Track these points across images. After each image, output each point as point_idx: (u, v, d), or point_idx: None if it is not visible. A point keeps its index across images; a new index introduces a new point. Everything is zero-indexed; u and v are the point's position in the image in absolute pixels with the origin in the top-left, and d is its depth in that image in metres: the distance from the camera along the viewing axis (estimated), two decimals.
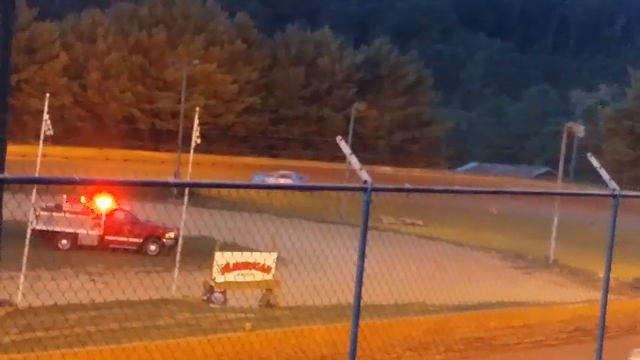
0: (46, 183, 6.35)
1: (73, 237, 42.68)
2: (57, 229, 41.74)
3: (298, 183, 43.36)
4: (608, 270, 10.23)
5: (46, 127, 32.29)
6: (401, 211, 51.94)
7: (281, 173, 70.50)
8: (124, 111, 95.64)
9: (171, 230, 42.45)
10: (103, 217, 43.65)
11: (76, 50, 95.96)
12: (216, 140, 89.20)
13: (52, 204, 41.32)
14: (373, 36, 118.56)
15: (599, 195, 11.05)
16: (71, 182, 6.03)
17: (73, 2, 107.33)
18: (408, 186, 8.27)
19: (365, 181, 7.43)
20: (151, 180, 7.06)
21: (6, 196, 27.25)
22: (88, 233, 42.33)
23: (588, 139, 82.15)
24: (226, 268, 32.20)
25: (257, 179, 65.91)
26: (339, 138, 7.98)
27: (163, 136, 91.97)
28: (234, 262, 32.12)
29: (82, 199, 43.03)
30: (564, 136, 64.04)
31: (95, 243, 42.83)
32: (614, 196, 9.98)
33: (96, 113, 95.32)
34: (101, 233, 43.41)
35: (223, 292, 32.68)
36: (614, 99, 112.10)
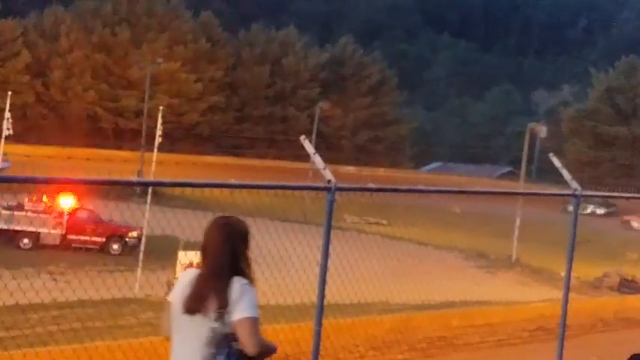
0: (7, 182, 6.29)
1: (35, 236, 42.38)
2: (18, 228, 41.44)
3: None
4: (569, 269, 10.32)
5: (7, 125, 32.09)
6: (365, 210, 52.04)
7: None
8: (87, 109, 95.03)
9: (134, 229, 42.24)
10: (66, 216, 43.36)
11: (39, 48, 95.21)
12: (180, 139, 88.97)
13: (13, 203, 41.01)
14: (337, 36, 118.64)
15: (560, 195, 11.15)
16: (33, 181, 5.99)
17: None
18: (372, 185, 8.29)
19: (329, 181, 7.43)
20: (115, 179, 7.03)
21: None
22: (50, 232, 42.08)
23: (551, 139, 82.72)
24: (190, 267, 32.13)
25: None
26: (302, 137, 7.98)
27: (127, 135, 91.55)
28: (198, 261, 31.98)
29: (44, 197, 42.76)
30: (527, 136, 64.51)
31: (57, 242, 42.57)
32: (576, 196, 10.06)
33: (59, 111, 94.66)
34: (63, 232, 43.13)
35: None
36: (577, 99, 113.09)
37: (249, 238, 5.56)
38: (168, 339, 5.53)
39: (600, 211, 75.37)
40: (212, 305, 5.25)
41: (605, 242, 52.88)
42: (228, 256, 5.37)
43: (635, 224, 71.69)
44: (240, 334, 5.23)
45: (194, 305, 5.29)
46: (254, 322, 5.27)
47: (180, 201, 43.44)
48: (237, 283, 5.30)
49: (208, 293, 5.27)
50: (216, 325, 5.24)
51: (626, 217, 72.69)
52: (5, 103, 32.88)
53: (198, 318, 5.27)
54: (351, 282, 14.87)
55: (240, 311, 5.24)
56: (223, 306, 5.23)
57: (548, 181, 57.82)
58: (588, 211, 72.89)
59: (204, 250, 5.46)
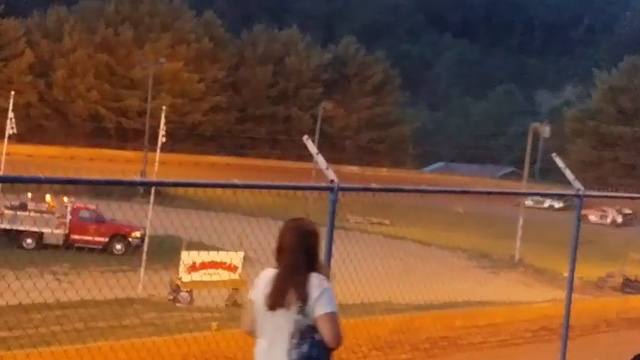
0: (10, 182, 6.30)
1: (38, 236, 42.39)
2: (21, 228, 41.44)
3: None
4: (573, 269, 10.31)
5: (10, 125, 32.10)
6: (368, 210, 52.02)
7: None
8: (90, 109, 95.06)
9: (137, 229, 42.29)
10: (69, 216, 43.39)
11: (42, 48, 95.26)
12: (183, 139, 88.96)
13: (16, 203, 41.04)
14: (340, 36, 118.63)
15: (563, 195, 11.15)
16: (36, 181, 5.99)
17: None
18: (374, 185, 8.30)
19: (332, 181, 7.43)
20: (118, 179, 7.03)
21: None
22: (53, 232, 42.07)
23: (553, 139, 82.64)
24: (193, 268, 32.17)
25: None
26: (305, 137, 7.98)
27: (130, 135, 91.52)
28: (201, 261, 32.09)
29: (48, 197, 42.80)
30: (530, 136, 64.48)
31: (60, 242, 42.57)
32: (579, 196, 10.05)
33: (61, 111, 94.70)
34: (66, 232, 43.16)
35: (190, 292, 32.63)
36: (579, 100, 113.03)
37: (319, 238, 6.00)
38: (248, 334, 6.04)
39: (558, 204, 74.95)
40: (292, 300, 5.71)
41: (607, 242, 52.84)
42: (303, 254, 5.81)
43: (592, 218, 71.65)
44: (322, 327, 5.69)
45: (276, 301, 5.75)
46: (334, 317, 5.74)
47: (183, 201, 43.42)
48: (316, 280, 5.75)
49: (288, 289, 5.73)
50: (298, 317, 5.70)
51: (583, 212, 72.35)
52: (8, 103, 32.87)
53: (280, 312, 5.74)
54: (354, 282, 14.86)
55: (320, 307, 5.69)
56: (303, 300, 5.69)
57: (552, 181, 57.78)
58: (546, 205, 73.03)
59: (280, 250, 5.90)
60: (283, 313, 5.72)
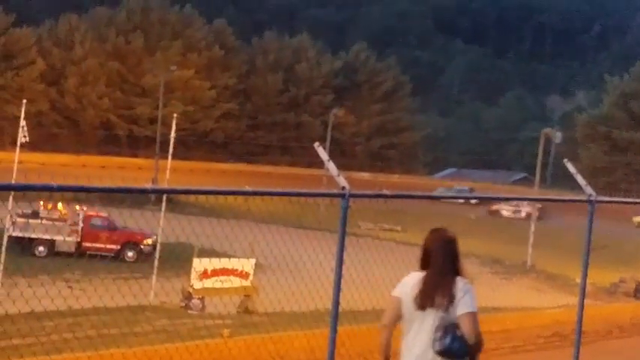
0: (22, 190, 6.32)
1: (50, 243, 42.49)
2: (34, 235, 41.51)
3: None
4: (585, 275, 10.28)
5: (23, 133, 32.13)
6: (379, 216, 51.99)
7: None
8: (101, 117, 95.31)
9: (149, 236, 42.33)
10: (81, 224, 43.48)
11: (53, 56, 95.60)
12: (194, 146, 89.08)
13: (28, 210, 41.13)
14: (351, 42, 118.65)
15: (575, 201, 11.12)
16: (48, 189, 6.01)
17: (49, 8, 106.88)
18: (386, 192, 8.30)
19: (343, 187, 7.44)
20: (129, 186, 7.04)
21: None
22: (65, 240, 42.16)
23: (565, 145, 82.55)
24: (204, 275, 32.20)
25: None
26: (316, 144, 7.99)
27: (141, 143, 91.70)
28: (212, 268, 32.13)
29: (60, 205, 42.89)
30: (541, 141, 64.39)
31: (72, 249, 42.66)
32: (590, 202, 10.03)
33: (73, 119, 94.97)
34: (78, 240, 43.24)
35: (201, 299, 32.64)
36: (591, 105, 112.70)
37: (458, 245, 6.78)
38: (385, 327, 6.73)
39: (474, 200, 74.78)
40: (440, 300, 6.43)
41: (621, 247, 52.68)
42: (450, 259, 6.61)
43: (505, 212, 71.31)
44: (464, 325, 6.39)
45: (426, 301, 6.47)
46: (475, 316, 6.47)
47: (195, 208, 43.53)
48: (461, 282, 6.53)
49: (437, 291, 6.46)
50: (443, 315, 6.41)
51: (494, 207, 71.83)
52: (20, 111, 32.95)
53: (429, 311, 6.45)
54: (365, 288, 14.85)
55: (464, 306, 6.43)
56: (450, 301, 6.41)
57: (563, 186, 57.67)
58: (461, 200, 72.92)
59: (428, 256, 6.65)
60: (432, 312, 6.45)
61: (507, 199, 76.04)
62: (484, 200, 72.66)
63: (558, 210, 63.05)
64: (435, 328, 6.40)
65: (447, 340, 6.37)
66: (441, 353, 6.41)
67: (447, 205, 69.15)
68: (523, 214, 70.04)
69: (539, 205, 63.68)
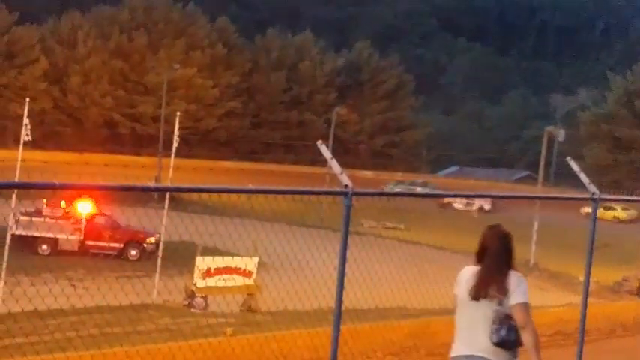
0: (25, 188, 6.32)
1: (54, 242, 42.52)
2: (37, 234, 41.54)
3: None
4: (588, 273, 10.27)
5: (26, 132, 32.13)
6: (382, 215, 52.01)
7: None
8: (104, 115, 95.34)
9: (152, 235, 42.33)
10: (84, 222, 43.50)
11: (56, 54, 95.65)
12: (197, 145, 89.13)
13: (32, 209, 41.17)
14: (353, 41, 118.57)
15: (578, 199, 11.11)
16: (51, 187, 6.01)
17: (53, 6, 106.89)
18: (388, 190, 8.31)
19: (346, 186, 7.43)
20: (132, 185, 7.04)
21: None
22: (68, 238, 42.19)
23: (568, 143, 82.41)
24: (207, 273, 32.19)
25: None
26: (319, 142, 7.99)
27: (144, 141, 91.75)
28: (216, 266, 32.13)
29: (63, 204, 42.91)
30: (544, 140, 64.34)
31: (75, 248, 42.71)
32: (594, 200, 10.02)
33: (76, 118, 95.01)
34: (82, 238, 43.27)
35: (204, 297, 32.65)
36: (594, 103, 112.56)
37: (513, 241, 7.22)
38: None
39: (487, 206, 74.80)
40: (495, 292, 6.91)
41: (624, 245, 52.61)
42: (505, 255, 7.07)
43: (457, 205, 71.34)
44: (517, 314, 6.87)
45: (480, 293, 6.95)
46: (527, 306, 6.96)
47: (198, 206, 43.52)
48: (514, 276, 7.01)
49: (491, 283, 6.94)
50: (498, 307, 6.88)
51: (446, 200, 71.77)
52: (23, 110, 32.93)
53: (483, 302, 6.93)
54: (369, 287, 14.86)
55: (517, 297, 6.90)
56: (504, 293, 6.89)
57: (567, 185, 57.64)
58: (475, 207, 73.04)
59: (484, 251, 7.11)
60: (486, 303, 6.91)
61: (510, 198, 75.92)
62: (481, 198, 72.59)
63: (511, 204, 63.32)
64: (492, 320, 6.87)
65: (503, 332, 6.84)
66: (498, 344, 6.89)
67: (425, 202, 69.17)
68: (475, 207, 70.72)
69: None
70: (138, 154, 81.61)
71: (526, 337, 6.91)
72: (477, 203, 70.92)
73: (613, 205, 67.15)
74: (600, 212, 60.66)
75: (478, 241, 7.21)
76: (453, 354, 7.27)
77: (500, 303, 6.88)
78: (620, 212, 68.38)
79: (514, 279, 6.97)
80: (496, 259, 7.02)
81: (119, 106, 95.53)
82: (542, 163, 62.78)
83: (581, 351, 10.36)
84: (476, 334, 6.96)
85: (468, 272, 7.14)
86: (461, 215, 62.89)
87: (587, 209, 70.50)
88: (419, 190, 73.30)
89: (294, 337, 14.15)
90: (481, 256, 7.13)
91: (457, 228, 52.79)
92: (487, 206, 71.26)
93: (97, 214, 43.91)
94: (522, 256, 51.44)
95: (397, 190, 72.69)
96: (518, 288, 6.92)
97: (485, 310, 6.91)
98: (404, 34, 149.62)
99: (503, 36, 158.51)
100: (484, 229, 7.27)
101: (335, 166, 7.53)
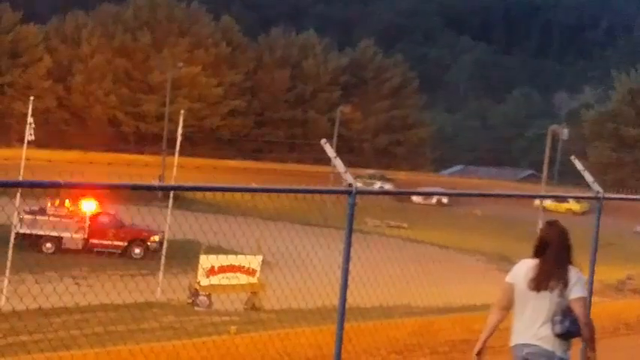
0: (29, 187, 6.32)
1: (58, 240, 42.54)
2: (41, 232, 41.56)
3: None
4: (592, 272, 10.27)
5: (30, 131, 32.14)
6: (386, 213, 51.99)
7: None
8: (108, 114, 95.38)
9: (155, 233, 42.36)
10: (88, 221, 43.52)
11: (60, 53, 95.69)
12: (201, 143, 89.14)
13: (36, 207, 41.19)
14: (357, 39, 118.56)
15: (582, 197, 11.12)
16: (55, 186, 6.01)
17: (57, 5, 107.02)
18: (391, 189, 8.32)
19: (350, 184, 7.44)
20: (136, 183, 7.05)
21: None
22: (72, 237, 42.19)
23: (572, 141, 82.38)
24: (211, 271, 32.21)
25: None
26: (323, 141, 8.00)
27: (148, 139, 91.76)
28: (219, 265, 32.13)
29: (67, 202, 42.94)
30: (548, 138, 64.31)
31: (80, 246, 42.73)
32: (598, 199, 10.01)
33: (80, 116, 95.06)
34: (85, 236, 43.29)
35: (208, 296, 32.66)
36: (598, 102, 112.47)
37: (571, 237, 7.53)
38: (500, 310, 7.66)
39: (387, 186, 75.04)
40: (555, 285, 7.29)
41: (625, 245, 52.59)
42: (565, 250, 7.43)
43: (415, 198, 71.77)
44: (577, 308, 7.27)
45: (540, 285, 7.32)
46: (585, 300, 7.38)
47: (202, 205, 43.56)
48: (573, 270, 7.40)
49: (552, 276, 7.32)
50: (558, 300, 7.27)
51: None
52: (27, 109, 32.94)
53: (543, 294, 7.31)
54: (372, 285, 14.85)
55: (577, 292, 7.32)
56: (564, 286, 7.28)
57: (571, 183, 57.56)
58: (434, 200, 73.30)
59: (544, 246, 7.45)
60: (546, 295, 7.30)
61: (513, 197, 75.97)
62: (488, 197, 72.50)
63: (468, 199, 63.44)
64: (554, 312, 7.26)
65: (567, 324, 7.24)
66: (561, 335, 7.30)
67: (453, 202, 69.25)
68: (434, 201, 71.40)
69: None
70: (141, 153, 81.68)
71: (585, 330, 7.35)
72: (435, 197, 72.11)
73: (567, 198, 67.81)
74: (554, 205, 60.84)
75: (537, 237, 7.58)
76: (513, 343, 7.65)
77: (560, 295, 7.27)
78: (573, 204, 68.73)
79: (573, 273, 7.36)
80: (557, 254, 7.39)
81: (123, 104, 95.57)
82: (546, 162, 62.76)
83: (585, 350, 10.34)
84: (536, 325, 7.35)
85: (526, 265, 7.52)
86: (428, 209, 63.15)
87: (539, 202, 71.26)
88: (378, 184, 74.04)
89: (298, 335, 14.15)
90: (540, 251, 7.48)
91: (459, 227, 52.83)
92: (445, 199, 72.18)
93: (100, 213, 43.93)
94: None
95: (359, 184, 73.05)
96: (578, 282, 7.35)
97: (545, 301, 7.30)
98: (408, 33, 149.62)
99: (508, 34, 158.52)
100: (543, 226, 7.65)
101: (339, 164, 7.54)
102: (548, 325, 7.30)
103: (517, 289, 7.46)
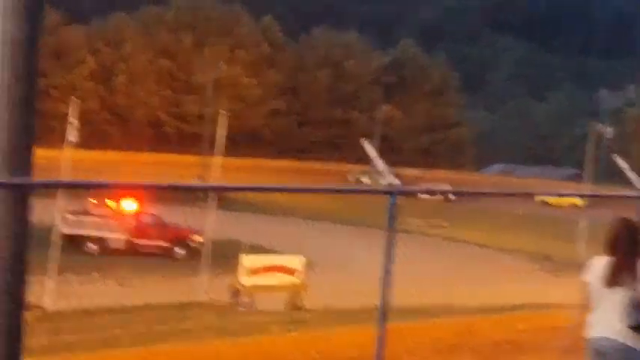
0: (73, 187, 6.40)
1: (101, 241, 42.77)
2: (84, 233, 41.77)
3: None
4: None
5: (72, 132, 32.37)
6: (427, 212, 51.84)
7: None
8: (150, 115, 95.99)
9: (198, 233, 42.44)
10: (131, 221, 43.70)
11: (103, 54, 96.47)
12: (243, 143, 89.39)
13: (79, 208, 41.44)
14: (398, 38, 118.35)
15: (626, 197, 11.00)
16: (100, 186, 6.07)
17: (99, 7, 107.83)
18: (433, 188, 8.31)
19: (390, 184, 7.42)
20: (181, 184, 7.09)
21: (33, 200, 27.32)
22: (116, 237, 42.37)
23: (616, 140, 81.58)
24: (253, 272, 32.26)
25: None
26: (363, 140, 8.00)
27: (190, 140, 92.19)
28: (261, 265, 32.18)
29: (110, 202, 43.14)
30: (592, 137, 63.76)
31: (122, 247, 42.89)
32: None
33: (123, 117, 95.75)
34: (129, 237, 43.47)
35: (250, 295, 32.73)
36: None
37: None
38: (582, 307, 7.79)
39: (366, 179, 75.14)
40: (626, 280, 7.50)
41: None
42: (633, 244, 7.59)
43: (422, 195, 71.74)
44: None
45: (614, 280, 7.54)
46: None
47: (243, 205, 43.67)
48: None
49: (623, 272, 7.53)
50: (630, 294, 7.49)
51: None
52: (71, 109, 33.20)
53: (617, 290, 7.52)
54: (414, 285, 14.83)
55: None
56: (635, 280, 7.47)
57: (615, 183, 57.01)
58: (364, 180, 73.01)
59: (616, 242, 7.62)
60: (619, 291, 7.50)
61: (558, 195, 75.63)
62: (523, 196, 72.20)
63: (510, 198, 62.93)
64: (626, 305, 7.49)
65: (639, 316, 7.47)
66: (634, 327, 7.51)
67: (494, 201, 68.83)
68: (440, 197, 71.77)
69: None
70: (184, 153, 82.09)
71: None
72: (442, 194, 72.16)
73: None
74: (556, 199, 60.09)
75: (608, 233, 7.73)
76: (588, 336, 7.83)
77: (632, 289, 7.48)
78: (576, 199, 68.76)
79: None
80: (627, 250, 7.58)
81: (165, 105, 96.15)
82: (589, 161, 62.21)
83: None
84: (610, 318, 7.57)
85: (599, 262, 7.71)
86: (489, 213, 62.82)
87: (543, 197, 70.79)
88: (365, 179, 74.23)
89: (340, 335, 14.15)
90: (612, 247, 7.66)
91: (500, 227, 52.50)
92: (451, 196, 72.24)
93: (143, 213, 44.11)
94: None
95: (364, 179, 73.65)
96: None
97: (618, 296, 7.52)
98: (449, 32, 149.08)
99: (550, 32, 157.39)
100: (613, 222, 7.79)
101: (379, 164, 7.51)
102: (622, 319, 7.54)
103: (592, 285, 7.70)
